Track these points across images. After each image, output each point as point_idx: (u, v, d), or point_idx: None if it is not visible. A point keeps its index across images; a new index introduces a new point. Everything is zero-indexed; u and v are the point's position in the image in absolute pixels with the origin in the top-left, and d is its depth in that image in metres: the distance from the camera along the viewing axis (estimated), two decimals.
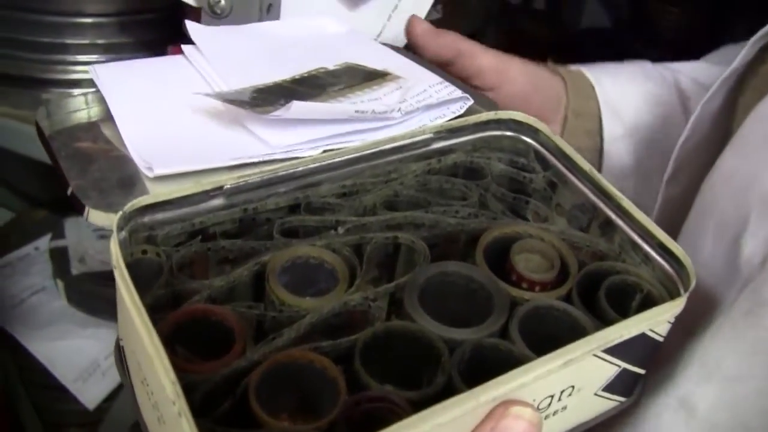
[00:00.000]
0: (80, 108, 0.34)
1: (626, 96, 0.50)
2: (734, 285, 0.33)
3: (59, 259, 0.81)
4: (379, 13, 0.51)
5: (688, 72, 0.53)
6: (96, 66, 0.36)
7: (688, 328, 0.34)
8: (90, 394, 0.76)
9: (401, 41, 0.51)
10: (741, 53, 0.39)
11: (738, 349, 0.31)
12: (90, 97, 0.34)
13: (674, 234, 0.32)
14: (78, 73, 0.62)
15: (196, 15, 0.47)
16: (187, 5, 0.47)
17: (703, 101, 0.41)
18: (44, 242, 0.85)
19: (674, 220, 0.41)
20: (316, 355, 0.25)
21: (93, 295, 0.79)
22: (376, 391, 0.25)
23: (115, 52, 0.62)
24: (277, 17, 0.47)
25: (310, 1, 0.48)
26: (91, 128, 0.33)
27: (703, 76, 0.52)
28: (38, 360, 0.76)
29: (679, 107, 0.50)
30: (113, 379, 0.77)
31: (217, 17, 0.47)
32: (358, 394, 0.25)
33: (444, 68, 0.47)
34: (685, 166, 0.43)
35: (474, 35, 0.50)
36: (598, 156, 0.50)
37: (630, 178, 0.50)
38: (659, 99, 0.50)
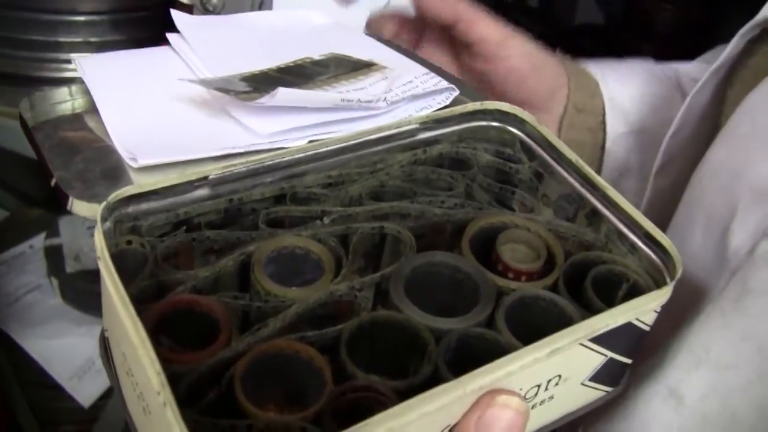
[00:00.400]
0: (64, 100, 0.33)
1: (631, 94, 0.50)
2: (723, 276, 0.33)
3: (54, 257, 0.81)
4: (371, 9, 0.51)
5: (688, 72, 0.52)
6: (81, 58, 0.36)
7: (678, 319, 0.34)
8: (85, 392, 0.76)
9: None
10: (729, 45, 0.39)
11: (727, 336, 0.31)
12: (74, 88, 0.34)
13: (663, 226, 0.32)
14: (71, 71, 0.62)
15: (188, 12, 0.47)
16: (179, 2, 0.47)
17: (692, 93, 0.41)
18: (39, 240, 0.85)
19: (663, 212, 0.41)
20: (302, 345, 0.25)
21: (88, 293, 0.79)
22: (362, 380, 0.25)
23: (107, 49, 0.62)
24: None
25: None
26: (75, 120, 0.33)
27: (701, 75, 0.52)
28: (33, 358, 0.76)
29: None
30: None
31: (210, 14, 0.47)
32: (344, 384, 0.25)
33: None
34: (675, 158, 0.43)
35: None
36: (599, 152, 0.50)
37: (631, 176, 0.49)
38: (663, 98, 0.50)
